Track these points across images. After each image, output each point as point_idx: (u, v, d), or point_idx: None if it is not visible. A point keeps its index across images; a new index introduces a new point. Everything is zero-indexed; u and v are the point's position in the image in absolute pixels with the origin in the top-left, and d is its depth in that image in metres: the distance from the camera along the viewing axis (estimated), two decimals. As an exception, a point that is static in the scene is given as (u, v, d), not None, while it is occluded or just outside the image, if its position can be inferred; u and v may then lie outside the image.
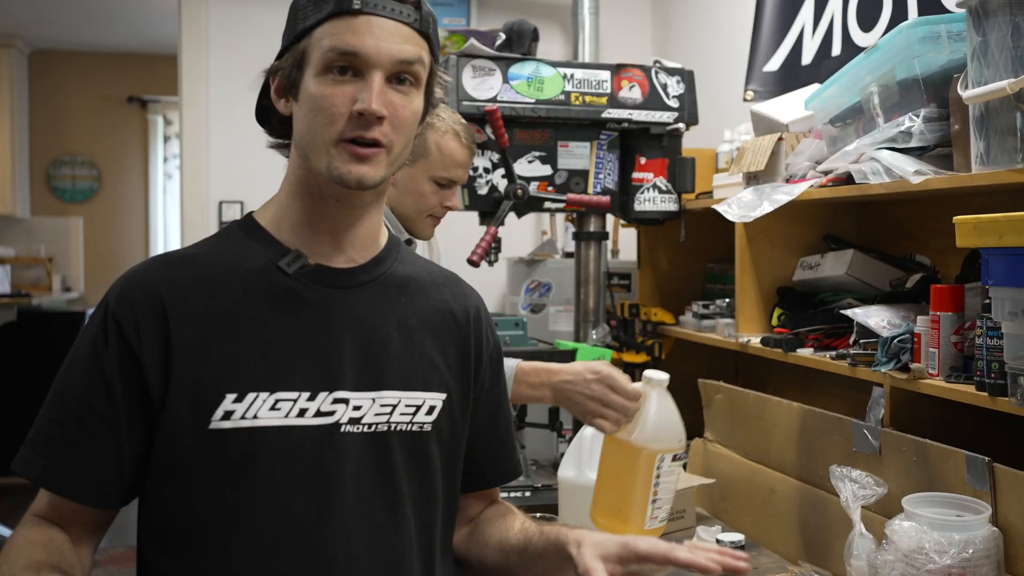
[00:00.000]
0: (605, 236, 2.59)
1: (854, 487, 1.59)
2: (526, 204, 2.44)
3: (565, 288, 3.11)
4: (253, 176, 3.40)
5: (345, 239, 1.14)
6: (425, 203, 1.92)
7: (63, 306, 6.27)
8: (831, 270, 2.06)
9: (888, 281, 2.00)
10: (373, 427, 1.10)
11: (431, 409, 1.16)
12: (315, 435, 1.07)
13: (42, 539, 1.05)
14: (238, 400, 1.04)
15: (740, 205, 1.98)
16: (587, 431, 1.95)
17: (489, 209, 2.44)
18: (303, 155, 1.10)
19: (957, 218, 1.40)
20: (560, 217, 3.52)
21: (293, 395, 1.07)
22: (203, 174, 3.41)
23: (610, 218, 2.90)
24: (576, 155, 2.49)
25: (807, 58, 2.62)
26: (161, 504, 1.07)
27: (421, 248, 2.22)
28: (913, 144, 1.67)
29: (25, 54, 6.58)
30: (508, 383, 1.77)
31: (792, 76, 2.66)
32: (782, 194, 1.91)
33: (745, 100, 2.79)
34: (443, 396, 1.17)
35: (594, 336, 2.52)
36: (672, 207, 2.55)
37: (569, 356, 2.41)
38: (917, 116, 1.66)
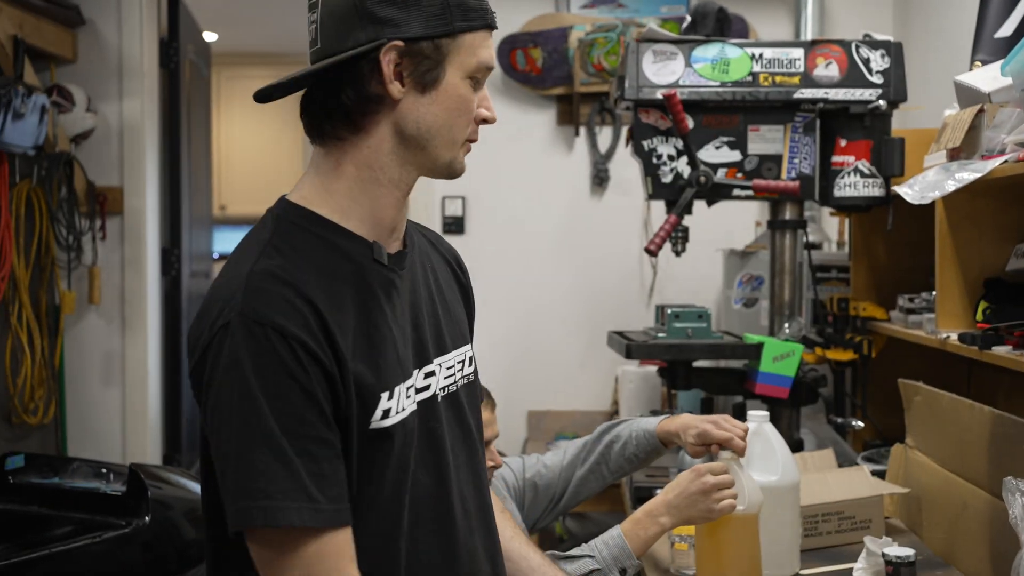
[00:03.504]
0: (802, 224, 2.43)
1: (1024, 503, 1.39)
2: (712, 191, 2.35)
3: (779, 282, 2.95)
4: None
5: (400, 219, 1.17)
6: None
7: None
8: (1046, 258, 1.80)
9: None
10: (447, 389, 1.19)
11: (470, 360, 1.26)
12: (425, 411, 1.15)
13: None
14: (391, 398, 1.08)
15: (922, 185, 1.79)
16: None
17: (673, 197, 2.37)
18: (418, 145, 1.11)
19: None
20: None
21: (413, 380, 1.13)
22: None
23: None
24: (768, 139, 2.36)
25: (1046, 20, 2.31)
26: None
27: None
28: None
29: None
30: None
31: (1029, 41, 2.35)
32: (969, 172, 1.70)
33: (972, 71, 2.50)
34: (470, 345, 1.28)
35: (786, 330, 2.37)
36: (877, 192, 2.35)
37: (755, 350, 2.29)
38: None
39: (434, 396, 1.16)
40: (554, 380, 3.50)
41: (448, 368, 1.19)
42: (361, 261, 1.10)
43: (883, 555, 1.69)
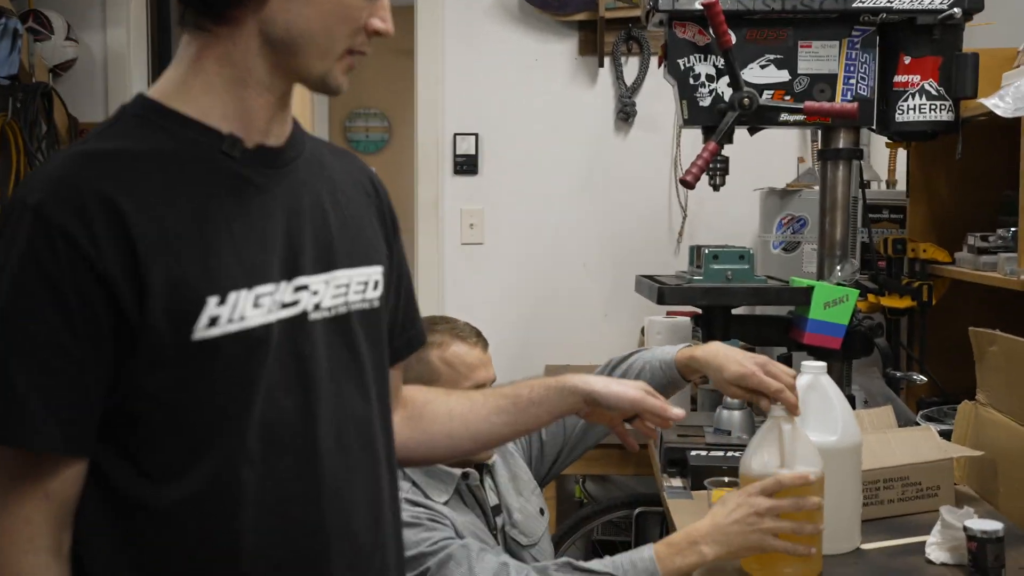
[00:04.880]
0: (857, 154, 2.15)
1: None
2: (756, 116, 2.07)
3: (822, 223, 2.68)
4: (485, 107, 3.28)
5: (276, 122, 1.04)
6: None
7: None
8: None
9: None
10: (333, 311, 1.05)
11: (376, 284, 1.11)
12: (290, 328, 1.00)
13: None
14: (222, 303, 0.94)
15: (1015, 97, 1.52)
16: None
17: (712, 123, 2.10)
18: (288, 50, 0.99)
19: None
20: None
21: (269, 288, 0.99)
22: (438, 107, 3.33)
23: (880, 140, 2.44)
24: (821, 57, 2.08)
25: None
26: (147, 433, 0.95)
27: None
28: None
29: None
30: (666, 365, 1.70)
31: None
32: (1076, 78, 1.43)
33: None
34: (381, 268, 1.13)
35: (839, 273, 2.11)
36: (946, 116, 2.06)
37: (804, 295, 2.03)
38: None
39: (303, 314, 1.01)
40: (574, 332, 3.25)
41: (337, 287, 1.05)
42: (207, 154, 0.99)
43: (964, 528, 1.44)
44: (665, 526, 2.43)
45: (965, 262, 2.10)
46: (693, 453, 1.98)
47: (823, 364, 1.61)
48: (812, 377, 1.59)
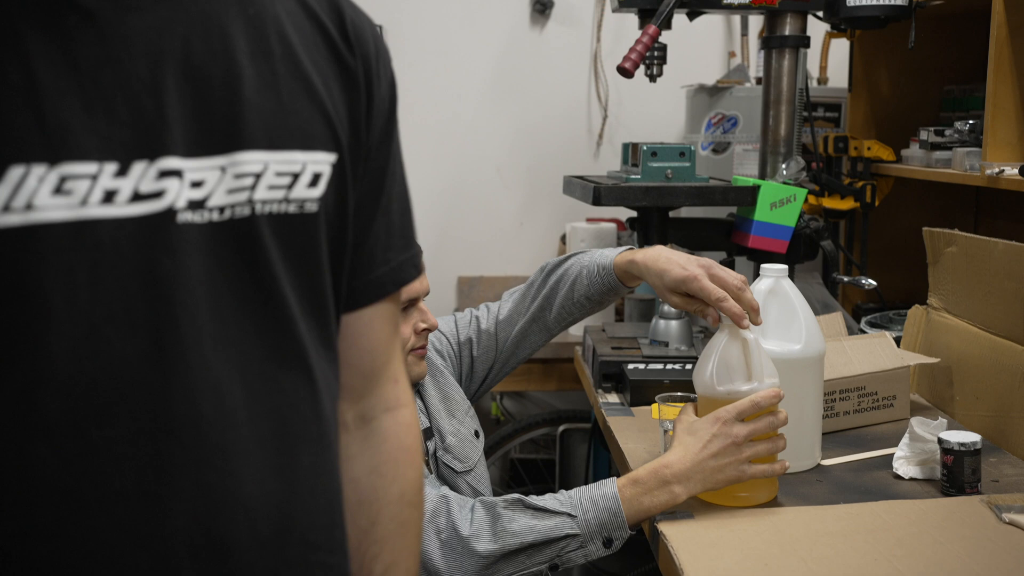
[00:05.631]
0: (804, 42, 1.99)
1: None
2: (699, -2, 1.88)
3: (756, 122, 2.53)
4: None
5: None
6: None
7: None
8: None
9: None
10: (228, 212, 0.71)
11: (315, 179, 0.75)
12: (135, 231, 0.67)
13: None
14: None
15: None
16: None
17: (650, 5, 1.90)
18: None
19: None
20: (753, 35, 2.90)
21: (90, 168, 0.65)
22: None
23: (818, 29, 2.28)
24: (769, -69, 1.89)
25: None
26: None
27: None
28: None
29: None
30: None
31: None
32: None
33: None
34: (331, 158, 0.77)
35: (784, 171, 1.96)
36: (900, 0, 1.91)
37: (750, 194, 1.88)
38: None
39: (169, 212, 0.68)
40: (488, 241, 3.05)
41: (238, 178, 0.71)
42: None
43: (940, 441, 1.33)
44: (593, 444, 2.30)
45: (914, 159, 1.98)
46: (631, 367, 1.83)
47: (784, 267, 1.46)
48: (773, 281, 1.45)
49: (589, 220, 2.79)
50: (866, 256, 2.15)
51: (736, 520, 1.24)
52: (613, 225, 2.64)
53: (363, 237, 0.83)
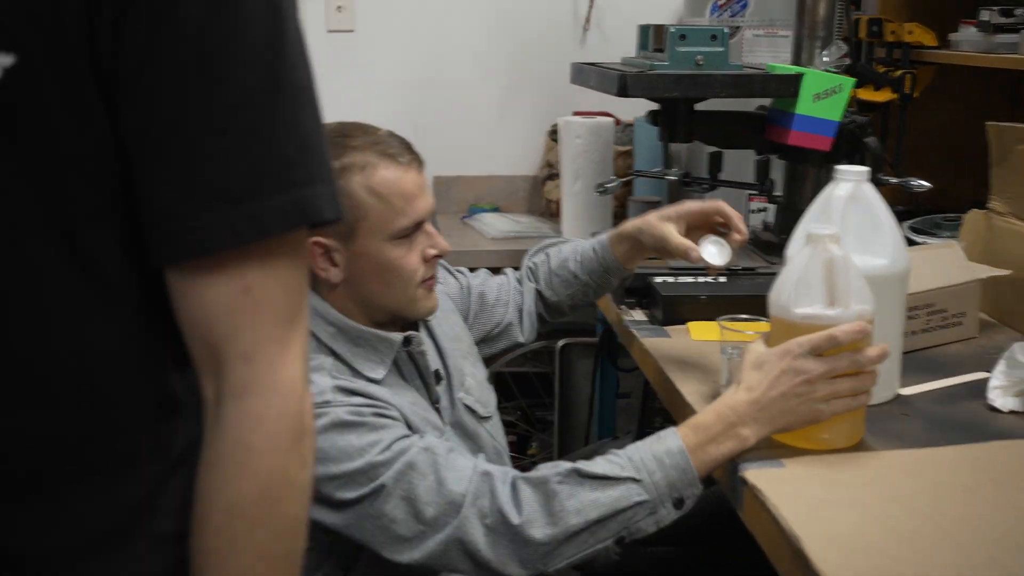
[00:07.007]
0: (852, -93, 1.75)
1: None
2: None
3: (767, 3, 2.28)
4: None
5: None
6: (408, 273, 1.20)
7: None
8: None
9: None
10: None
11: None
12: None
13: None
14: None
15: None
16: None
17: None
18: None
19: None
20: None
21: None
22: None
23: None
24: None
25: None
26: None
27: None
28: None
29: None
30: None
31: None
32: None
33: None
34: (10, 58, 0.60)
35: (824, 58, 1.74)
36: None
37: (792, 83, 1.66)
38: None
39: None
40: (466, 137, 2.78)
41: None
42: None
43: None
44: (601, 361, 2.10)
45: (966, 43, 1.77)
46: (659, 280, 1.63)
47: (865, 169, 1.26)
48: (853, 186, 1.24)
49: (577, 113, 2.54)
50: (899, 155, 1.96)
51: (834, 469, 1.06)
52: (611, 120, 2.40)
53: (147, 181, 0.65)
